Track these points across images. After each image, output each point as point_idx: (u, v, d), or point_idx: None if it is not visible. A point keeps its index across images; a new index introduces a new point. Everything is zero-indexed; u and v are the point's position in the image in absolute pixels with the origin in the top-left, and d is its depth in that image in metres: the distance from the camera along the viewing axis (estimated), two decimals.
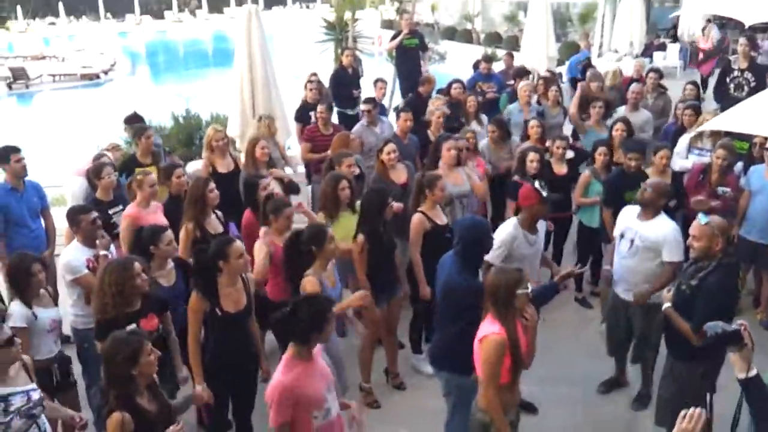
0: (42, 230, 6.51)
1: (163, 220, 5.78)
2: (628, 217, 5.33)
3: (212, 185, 5.71)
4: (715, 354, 4.19)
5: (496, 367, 3.76)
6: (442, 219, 5.74)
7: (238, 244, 4.53)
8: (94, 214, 5.23)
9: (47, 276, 5.34)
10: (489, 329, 3.78)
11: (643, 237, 5.13)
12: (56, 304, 5.01)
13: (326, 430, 3.74)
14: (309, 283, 4.63)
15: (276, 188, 6.33)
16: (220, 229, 5.75)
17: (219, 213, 5.93)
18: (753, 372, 2.97)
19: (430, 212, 5.69)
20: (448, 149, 6.47)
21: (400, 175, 6.69)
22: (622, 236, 5.31)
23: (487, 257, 4.84)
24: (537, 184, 5.24)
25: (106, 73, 28.81)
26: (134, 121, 8.24)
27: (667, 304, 4.48)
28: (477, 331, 4.17)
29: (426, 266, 5.49)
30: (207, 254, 4.52)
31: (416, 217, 5.68)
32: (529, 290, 3.88)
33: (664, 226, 5.13)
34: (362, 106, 8.34)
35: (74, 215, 5.23)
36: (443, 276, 4.58)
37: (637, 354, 5.54)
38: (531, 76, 10.57)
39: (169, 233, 5.01)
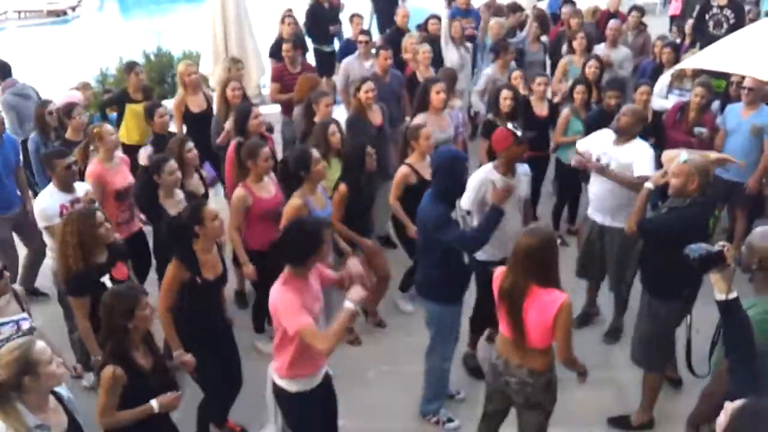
0: (14, 188, 6.26)
1: (128, 178, 5.68)
2: (604, 142, 5.33)
3: (189, 145, 5.51)
4: (688, 292, 4.27)
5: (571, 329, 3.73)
6: (428, 173, 5.65)
7: (211, 207, 4.39)
8: (71, 158, 5.10)
9: (30, 229, 5.31)
10: (554, 298, 3.61)
11: (617, 160, 5.16)
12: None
13: (311, 354, 3.70)
14: (289, 207, 4.69)
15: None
16: (202, 190, 5.67)
17: (203, 173, 5.85)
18: (733, 294, 2.99)
19: (417, 164, 5.62)
20: (437, 92, 6.27)
21: (375, 116, 6.57)
22: (598, 161, 5.31)
23: (462, 204, 4.86)
24: (510, 125, 5.16)
25: (73, 9, 27.84)
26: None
27: (648, 184, 4.48)
28: (452, 258, 4.26)
29: (408, 210, 5.46)
30: (181, 221, 4.37)
31: (402, 169, 5.65)
32: None
33: (638, 148, 5.17)
34: (360, 38, 8.12)
35: (50, 159, 5.11)
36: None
37: (613, 283, 5.62)
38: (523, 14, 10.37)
39: (173, 162, 5.04)
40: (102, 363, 3.51)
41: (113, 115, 7.54)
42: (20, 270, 6.26)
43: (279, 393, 3.86)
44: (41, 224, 5.08)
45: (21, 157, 6.48)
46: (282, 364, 3.77)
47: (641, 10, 9.67)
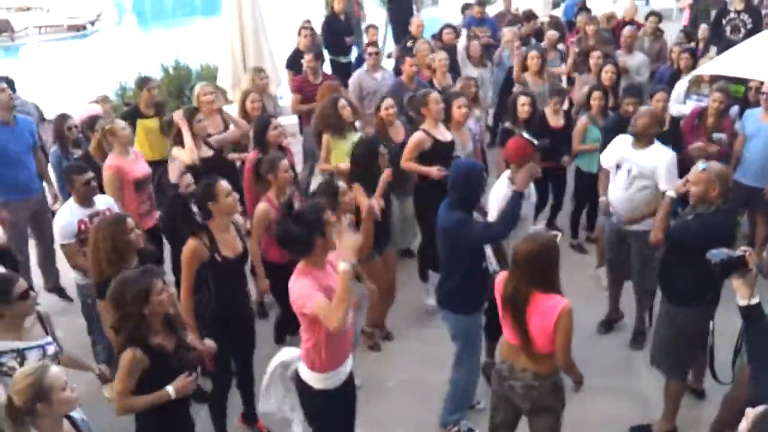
0: (33, 170, 6.31)
1: (146, 168, 5.80)
2: (623, 147, 5.32)
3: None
4: (709, 298, 4.24)
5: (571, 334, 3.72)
6: (445, 135, 5.57)
7: (225, 183, 4.42)
8: (89, 174, 5.10)
9: (45, 221, 5.44)
10: (555, 303, 3.62)
11: (638, 165, 5.16)
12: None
13: (342, 338, 3.72)
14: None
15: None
16: None
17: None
18: (755, 300, 2.98)
19: (431, 129, 5.59)
20: (458, 107, 6.13)
21: (398, 132, 6.41)
22: (618, 167, 5.31)
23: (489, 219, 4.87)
24: (526, 134, 5.15)
25: (92, 23, 28.22)
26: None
27: (670, 192, 4.47)
28: (482, 270, 4.21)
29: (426, 192, 5.47)
30: (195, 199, 4.43)
31: (416, 134, 5.64)
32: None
33: (659, 154, 5.16)
34: (368, 49, 8.11)
35: (69, 175, 5.14)
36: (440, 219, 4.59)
37: (636, 286, 5.60)
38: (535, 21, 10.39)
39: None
40: (120, 348, 3.50)
41: None
42: (41, 271, 6.35)
43: (303, 388, 3.84)
44: (59, 241, 5.09)
45: (37, 137, 6.52)
46: (313, 357, 3.73)
47: (658, 16, 9.63)
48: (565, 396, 3.92)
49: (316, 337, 3.67)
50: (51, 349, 3.79)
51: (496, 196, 4.97)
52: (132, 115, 6.97)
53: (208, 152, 5.98)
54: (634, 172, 5.17)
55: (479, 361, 4.85)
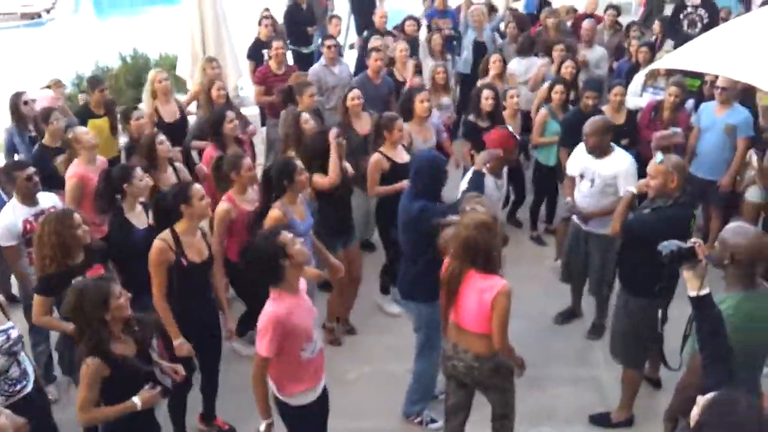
0: None
1: None
2: (584, 157, 5.39)
3: (161, 137, 5.50)
4: (667, 290, 4.31)
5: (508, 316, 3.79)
6: (402, 157, 5.67)
7: (199, 186, 4.41)
8: (31, 169, 4.92)
9: None
10: (494, 284, 3.73)
11: (601, 175, 5.24)
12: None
13: (313, 364, 3.76)
14: (270, 219, 4.64)
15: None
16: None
17: (178, 165, 5.76)
18: (705, 290, 3.03)
19: (389, 152, 5.63)
20: (421, 101, 6.21)
21: (363, 124, 6.39)
22: (582, 176, 5.39)
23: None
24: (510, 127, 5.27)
25: (48, 11, 27.54)
26: None
27: (630, 188, 4.56)
28: (437, 254, 4.26)
29: (389, 207, 5.40)
30: (168, 200, 4.37)
31: (374, 157, 5.64)
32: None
33: (619, 161, 5.24)
34: (326, 42, 7.92)
35: (9, 172, 4.96)
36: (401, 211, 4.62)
37: (594, 286, 5.69)
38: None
39: (140, 169, 4.85)
40: (80, 358, 3.45)
41: None
42: None
43: (278, 401, 3.83)
44: (4, 243, 4.90)
45: None
46: (275, 381, 3.75)
47: (617, 9, 9.76)
48: (512, 378, 4.01)
49: (276, 365, 3.66)
50: (14, 333, 3.76)
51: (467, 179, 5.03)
52: (82, 114, 6.89)
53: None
54: (598, 181, 5.26)
55: (440, 353, 4.87)
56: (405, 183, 5.28)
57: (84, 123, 6.75)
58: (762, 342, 3.38)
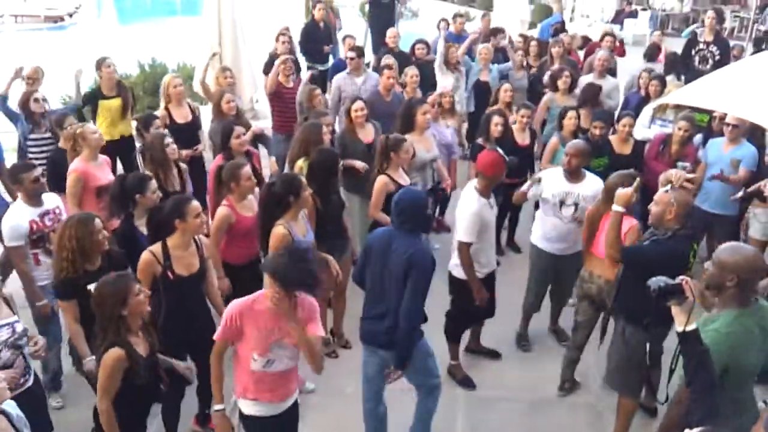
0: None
1: (110, 176, 5.77)
2: (560, 183, 5.52)
3: (168, 139, 5.65)
4: (665, 320, 4.34)
5: None
6: (405, 180, 5.79)
7: (196, 204, 4.43)
8: (37, 171, 4.97)
9: None
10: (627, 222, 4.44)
11: (585, 196, 5.41)
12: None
13: (265, 379, 3.71)
14: (275, 237, 4.67)
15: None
16: (178, 187, 5.73)
17: (183, 166, 5.89)
18: (692, 326, 3.06)
19: (394, 174, 5.73)
20: (422, 113, 6.41)
21: (367, 133, 6.64)
22: (562, 203, 5.50)
23: (463, 238, 4.99)
24: (500, 149, 5.30)
25: (70, 15, 27.99)
26: None
27: (617, 207, 4.50)
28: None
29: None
30: (163, 213, 4.41)
31: (380, 179, 5.71)
32: None
33: (595, 181, 5.47)
34: (348, 54, 8.19)
35: (16, 173, 4.99)
36: (387, 250, 4.24)
37: (562, 298, 6.04)
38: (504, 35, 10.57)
39: (154, 182, 4.97)
40: (103, 349, 3.54)
41: None
42: None
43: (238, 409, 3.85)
44: (8, 243, 4.93)
45: (3, 156, 6.50)
46: (240, 381, 3.80)
47: (613, 35, 9.89)
48: None
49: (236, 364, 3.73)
50: (20, 327, 3.82)
51: (467, 211, 5.05)
52: (93, 97, 7.09)
53: None
54: (582, 204, 5.40)
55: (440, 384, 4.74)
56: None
57: (95, 105, 6.92)
58: (757, 358, 3.37)
